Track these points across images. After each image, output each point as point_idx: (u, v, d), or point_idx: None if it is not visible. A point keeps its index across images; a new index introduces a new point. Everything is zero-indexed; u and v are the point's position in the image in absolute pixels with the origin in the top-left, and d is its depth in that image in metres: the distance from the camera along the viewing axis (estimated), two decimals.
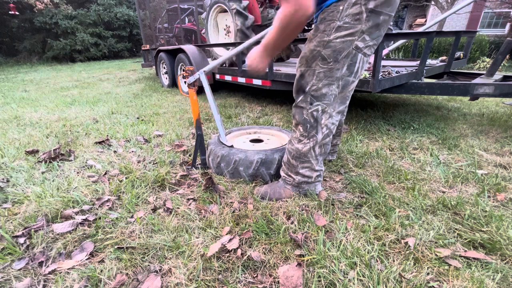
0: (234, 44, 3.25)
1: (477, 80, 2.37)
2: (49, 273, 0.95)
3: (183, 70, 1.64)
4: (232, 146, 1.59)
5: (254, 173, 1.49)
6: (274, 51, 1.17)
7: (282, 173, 1.38)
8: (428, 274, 0.90)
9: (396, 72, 2.29)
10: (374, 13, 1.03)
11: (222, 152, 1.53)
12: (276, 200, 1.34)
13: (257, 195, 1.37)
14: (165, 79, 4.98)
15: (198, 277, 0.91)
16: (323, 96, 1.16)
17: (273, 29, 1.06)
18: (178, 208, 1.30)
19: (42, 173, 1.66)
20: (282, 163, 1.39)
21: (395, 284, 0.86)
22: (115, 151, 1.99)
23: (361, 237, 1.06)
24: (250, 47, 1.64)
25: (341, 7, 1.04)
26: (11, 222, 1.21)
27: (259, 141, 1.79)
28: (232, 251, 1.02)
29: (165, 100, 3.82)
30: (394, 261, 0.96)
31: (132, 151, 1.98)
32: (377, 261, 0.95)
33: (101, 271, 0.95)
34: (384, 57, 3.83)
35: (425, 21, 11.83)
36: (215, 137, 1.74)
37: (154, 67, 5.65)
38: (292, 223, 1.17)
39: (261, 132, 1.93)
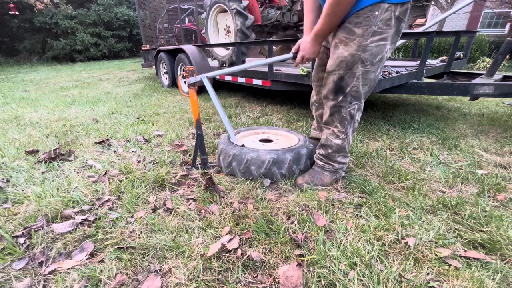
0: (234, 44, 3.25)
1: (477, 80, 2.37)
2: (49, 273, 0.95)
3: (183, 70, 1.64)
4: (243, 146, 1.59)
5: (266, 172, 1.49)
6: (324, 37, 1.28)
7: (320, 162, 1.48)
8: (428, 274, 0.90)
9: (396, 72, 2.29)
10: (398, 20, 1.14)
11: (233, 151, 1.53)
12: (319, 186, 1.44)
13: (302, 183, 1.45)
14: (165, 79, 4.98)
15: (198, 277, 0.91)
16: (361, 96, 1.29)
17: (323, 15, 1.17)
18: (178, 208, 1.30)
19: (42, 173, 1.66)
20: (318, 155, 1.50)
21: (395, 284, 0.86)
22: (115, 151, 1.99)
23: (361, 237, 1.06)
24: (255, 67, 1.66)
25: (376, 13, 1.12)
26: (11, 222, 1.20)
27: (268, 141, 1.79)
28: (232, 251, 1.02)
29: (165, 100, 3.82)
30: (394, 261, 0.96)
31: (132, 151, 1.98)
32: (377, 261, 0.95)
33: (101, 271, 0.95)
34: None
35: (425, 21, 11.82)
36: (224, 137, 1.74)
37: (154, 67, 5.66)
38: (292, 223, 1.17)
39: (269, 133, 1.94)
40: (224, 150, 1.58)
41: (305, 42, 1.32)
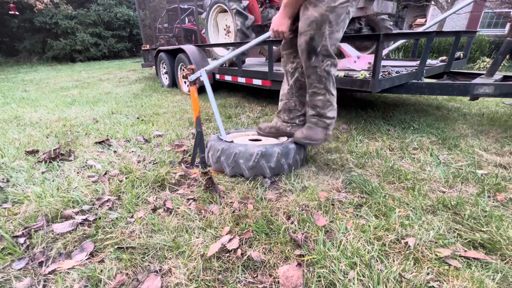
0: (234, 44, 3.25)
1: (477, 80, 2.37)
2: (49, 273, 0.95)
3: (185, 69, 1.65)
4: (232, 142, 1.60)
5: (254, 165, 1.49)
6: (293, 8, 1.33)
7: (313, 119, 1.54)
8: (428, 274, 0.90)
9: (396, 72, 2.28)
10: None
11: (222, 146, 1.54)
12: (313, 142, 1.52)
13: (302, 138, 1.54)
14: (165, 79, 4.98)
15: (198, 277, 0.91)
16: (331, 54, 1.37)
17: None
18: (178, 208, 1.30)
19: (42, 173, 1.66)
20: (309, 114, 1.55)
21: (395, 284, 0.86)
22: (115, 151, 1.99)
23: (361, 237, 1.06)
24: (251, 48, 1.68)
25: None
26: (11, 222, 1.20)
27: (257, 141, 1.80)
28: (232, 251, 1.02)
29: (165, 100, 3.82)
30: (394, 261, 0.96)
31: (132, 151, 1.98)
32: (377, 261, 0.95)
33: (101, 271, 0.95)
34: (384, 57, 3.83)
35: (425, 21, 11.82)
36: (214, 136, 1.75)
37: (154, 67, 5.65)
38: (292, 223, 1.17)
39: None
40: (213, 146, 1.60)
41: (274, 17, 1.38)
